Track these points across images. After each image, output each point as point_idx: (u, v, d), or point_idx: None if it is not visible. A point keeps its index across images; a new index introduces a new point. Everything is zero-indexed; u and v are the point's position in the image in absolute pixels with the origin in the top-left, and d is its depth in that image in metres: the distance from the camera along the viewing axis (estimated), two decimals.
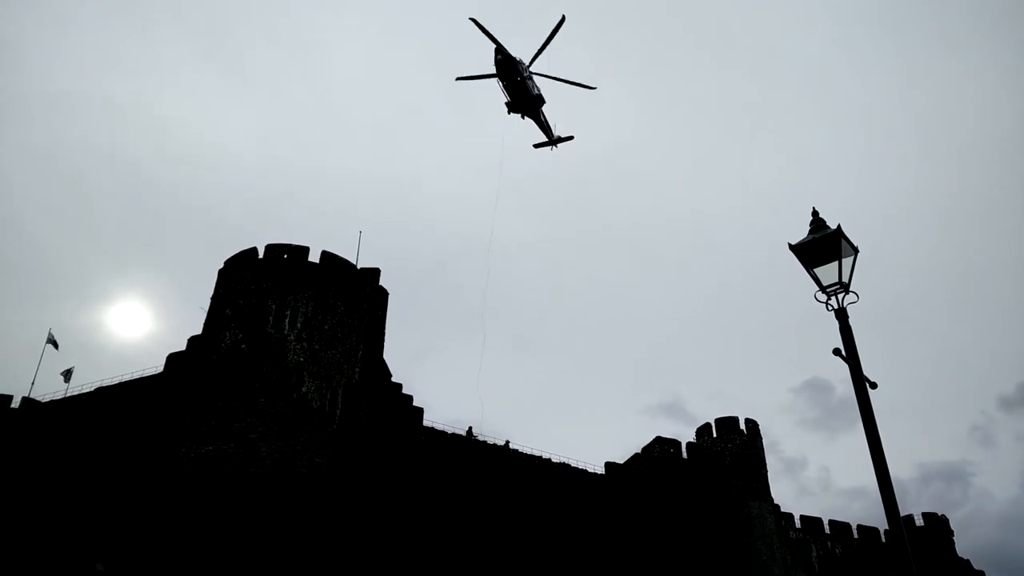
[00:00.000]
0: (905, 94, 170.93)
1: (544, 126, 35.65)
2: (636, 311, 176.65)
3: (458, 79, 32.98)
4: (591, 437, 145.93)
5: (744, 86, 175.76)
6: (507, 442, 47.63)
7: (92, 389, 42.35)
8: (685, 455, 55.42)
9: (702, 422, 58.29)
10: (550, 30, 30.62)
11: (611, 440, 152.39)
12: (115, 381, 42.00)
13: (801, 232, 9.08)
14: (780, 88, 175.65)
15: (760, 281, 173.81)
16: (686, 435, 66.42)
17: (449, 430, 46.45)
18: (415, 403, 45.36)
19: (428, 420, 45.39)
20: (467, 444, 46.05)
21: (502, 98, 33.59)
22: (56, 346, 50.01)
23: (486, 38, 30.01)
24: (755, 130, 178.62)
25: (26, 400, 44.10)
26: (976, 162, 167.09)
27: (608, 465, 52.74)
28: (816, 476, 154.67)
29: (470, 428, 47.42)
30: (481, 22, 29.26)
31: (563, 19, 29.87)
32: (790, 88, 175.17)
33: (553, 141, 36.75)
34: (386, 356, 45.82)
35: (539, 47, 31.52)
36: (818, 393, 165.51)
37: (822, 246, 8.73)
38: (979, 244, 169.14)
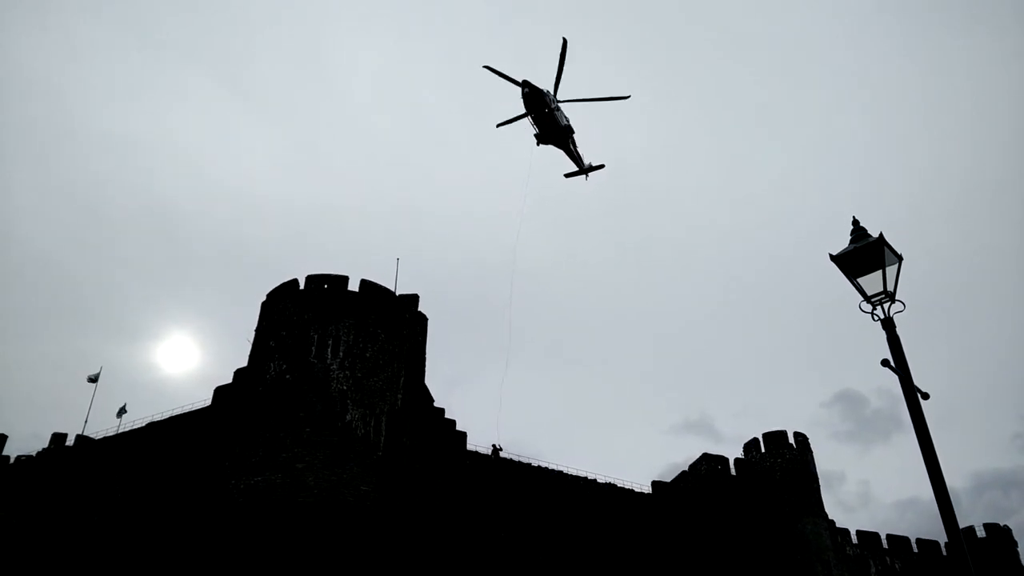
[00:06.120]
0: (928, 79, 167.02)
1: (574, 156, 35.36)
2: (659, 327, 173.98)
3: (499, 125, 32.88)
4: (620, 454, 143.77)
5: (767, 85, 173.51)
6: (493, 447, 46.34)
7: (143, 424, 43.38)
8: (733, 472, 54.48)
9: (730, 440, 57.39)
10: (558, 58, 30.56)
11: (640, 458, 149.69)
12: (165, 416, 42.97)
13: (830, 239, 8.96)
14: (806, 84, 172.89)
15: (784, 295, 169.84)
16: (717, 452, 65.20)
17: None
18: (458, 428, 45.43)
19: (471, 444, 45.45)
20: (505, 466, 45.70)
21: (530, 128, 33.37)
22: (95, 380, 52.33)
23: (508, 77, 30.18)
24: (775, 132, 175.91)
25: (80, 437, 45.30)
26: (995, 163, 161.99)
27: (655, 484, 52.11)
28: (856, 490, 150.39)
29: (494, 446, 46.39)
30: (495, 67, 29.51)
31: (565, 42, 29.29)
32: (817, 84, 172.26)
33: (584, 170, 36.50)
34: (427, 381, 46.05)
35: (555, 77, 31.31)
36: (851, 405, 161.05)
37: (864, 255, 8.54)
38: (1006, 241, 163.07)
